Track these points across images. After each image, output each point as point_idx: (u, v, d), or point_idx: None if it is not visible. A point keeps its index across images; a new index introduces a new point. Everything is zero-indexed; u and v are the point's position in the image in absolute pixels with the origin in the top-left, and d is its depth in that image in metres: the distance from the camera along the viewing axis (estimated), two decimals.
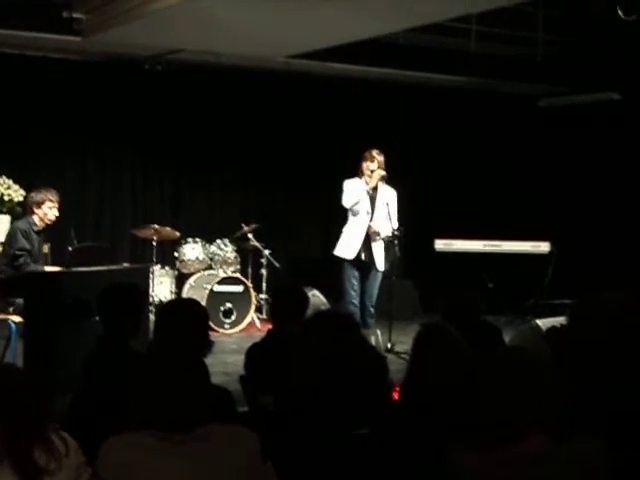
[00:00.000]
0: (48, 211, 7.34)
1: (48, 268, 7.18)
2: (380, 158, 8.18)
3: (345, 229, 8.29)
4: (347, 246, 8.21)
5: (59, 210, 7.48)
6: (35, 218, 7.35)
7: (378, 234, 8.17)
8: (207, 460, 2.56)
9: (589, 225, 10.99)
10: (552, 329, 4.37)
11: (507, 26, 10.58)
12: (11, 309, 6.89)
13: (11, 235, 7.33)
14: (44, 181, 8.27)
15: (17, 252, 7.14)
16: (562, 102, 11.48)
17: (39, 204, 7.33)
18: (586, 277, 8.95)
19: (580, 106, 11.10)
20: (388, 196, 8.23)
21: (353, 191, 8.15)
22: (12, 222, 8.17)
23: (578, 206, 11.31)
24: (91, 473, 2.63)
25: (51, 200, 7.34)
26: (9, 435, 2.54)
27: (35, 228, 7.33)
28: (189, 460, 2.54)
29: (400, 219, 8.36)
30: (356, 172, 8.24)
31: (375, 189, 8.18)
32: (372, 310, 8.24)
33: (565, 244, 10.80)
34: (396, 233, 8.16)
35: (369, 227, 8.15)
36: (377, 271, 8.23)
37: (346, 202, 8.17)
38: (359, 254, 8.17)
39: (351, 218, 8.24)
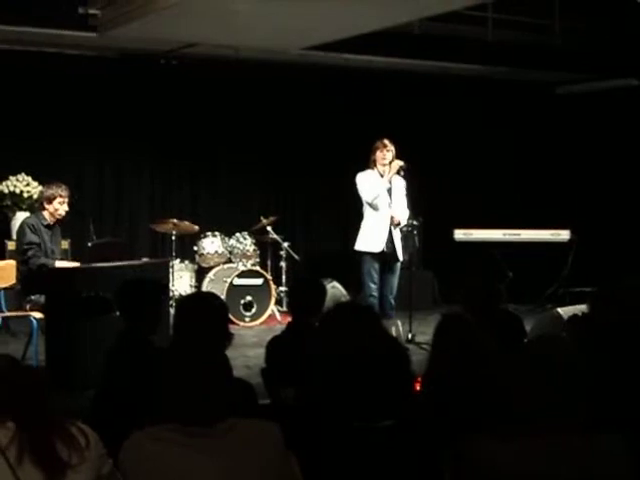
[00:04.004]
0: (59, 207, 7.38)
1: (59, 263, 7.18)
2: (393, 147, 8.07)
3: (365, 223, 8.11)
4: (371, 240, 8.04)
5: (78, 205, 7.51)
6: (45, 214, 7.40)
7: (399, 224, 8.12)
8: (229, 453, 2.56)
9: (609, 212, 10.93)
10: (573, 317, 4.35)
11: (524, 13, 10.51)
12: (28, 307, 6.95)
13: (19, 231, 7.43)
14: (62, 177, 8.28)
15: (25, 246, 7.21)
16: (580, 89, 11.42)
17: (49, 200, 7.38)
18: (606, 265, 8.92)
19: (599, 93, 11.03)
20: (401, 186, 8.17)
21: (372, 184, 8.07)
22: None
23: (598, 193, 11.24)
24: (112, 465, 2.65)
25: (61, 196, 7.39)
26: (31, 430, 2.55)
27: (44, 222, 7.36)
28: (212, 454, 2.54)
29: (419, 209, 8.31)
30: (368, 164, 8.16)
31: (390, 179, 8.11)
32: (393, 302, 8.17)
33: (585, 232, 10.73)
34: (415, 223, 8.11)
35: (392, 218, 8.08)
36: (397, 261, 8.18)
37: (367, 196, 8.02)
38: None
39: (371, 211, 8.07)
